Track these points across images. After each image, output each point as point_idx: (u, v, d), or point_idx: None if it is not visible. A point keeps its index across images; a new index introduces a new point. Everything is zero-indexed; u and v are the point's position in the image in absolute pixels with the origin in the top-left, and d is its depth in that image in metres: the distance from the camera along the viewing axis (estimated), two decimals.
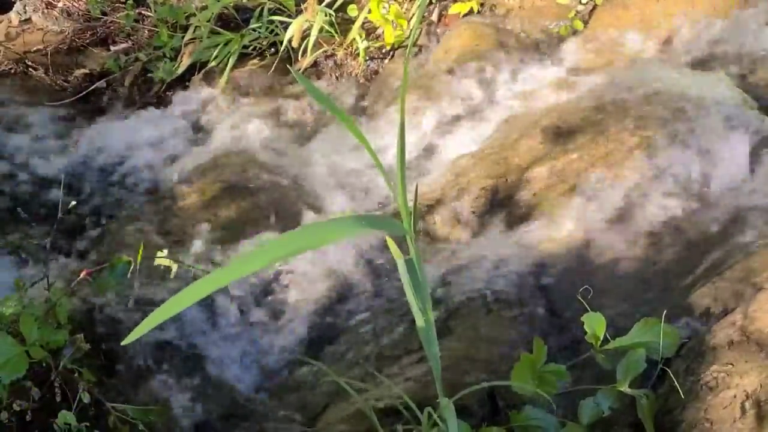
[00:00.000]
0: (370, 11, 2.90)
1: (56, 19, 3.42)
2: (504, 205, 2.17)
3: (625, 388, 1.43)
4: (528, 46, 2.83)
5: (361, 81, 3.05)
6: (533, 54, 2.78)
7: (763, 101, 2.32)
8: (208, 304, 2.04)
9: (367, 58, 3.06)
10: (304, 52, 3.00)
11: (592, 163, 2.14)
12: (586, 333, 1.51)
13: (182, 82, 3.16)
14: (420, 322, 1.27)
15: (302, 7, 2.97)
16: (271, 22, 3.14)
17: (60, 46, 3.32)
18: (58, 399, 1.55)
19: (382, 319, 1.95)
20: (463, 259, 2.03)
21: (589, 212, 2.02)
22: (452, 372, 1.62)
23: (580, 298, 1.59)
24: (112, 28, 3.40)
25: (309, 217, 2.35)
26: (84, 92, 3.11)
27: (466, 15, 3.03)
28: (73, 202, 2.00)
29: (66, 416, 1.48)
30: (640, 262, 1.89)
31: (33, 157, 2.74)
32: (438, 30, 3.05)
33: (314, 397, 1.79)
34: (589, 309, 1.54)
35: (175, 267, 1.76)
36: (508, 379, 1.46)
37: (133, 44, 3.32)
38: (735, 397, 1.30)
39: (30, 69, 3.21)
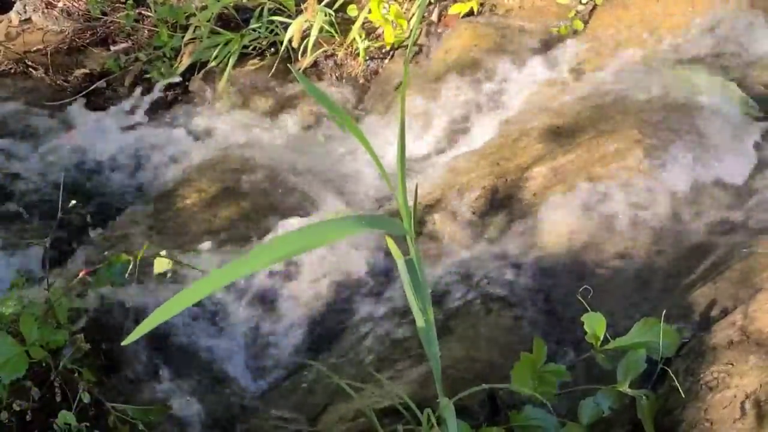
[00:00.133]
0: (370, 11, 2.90)
1: (56, 18, 3.42)
2: (504, 205, 2.17)
3: (625, 388, 1.43)
4: (528, 46, 2.83)
5: (361, 81, 3.05)
6: (533, 54, 2.78)
7: (763, 101, 2.32)
8: (208, 304, 2.04)
9: (367, 58, 3.06)
10: (304, 52, 3.00)
11: (592, 163, 2.14)
12: (586, 333, 1.51)
13: (182, 82, 3.16)
14: (420, 322, 1.27)
15: (302, 7, 2.97)
16: (271, 22, 3.14)
17: (60, 46, 3.32)
18: (58, 399, 1.55)
19: (382, 320, 1.95)
20: (463, 259, 2.03)
21: (589, 212, 2.02)
22: (452, 372, 1.62)
23: (580, 298, 1.59)
24: (112, 28, 3.40)
25: (309, 217, 2.35)
26: (84, 92, 3.11)
27: (466, 15, 3.03)
28: (73, 202, 1.99)
29: (66, 416, 1.48)
30: (640, 262, 1.89)
31: (33, 157, 2.75)
32: (438, 30, 3.05)
33: (314, 397, 1.79)
34: (589, 309, 1.54)
35: (173, 267, 1.76)
36: (509, 379, 1.46)
37: (133, 44, 3.32)
38: (735, 397, 1.30)
39: (30, 69, 3.21)
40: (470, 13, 3.04)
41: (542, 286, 1.90)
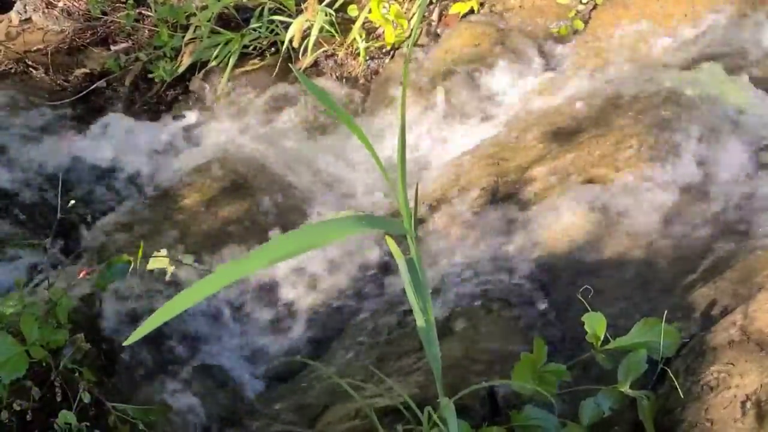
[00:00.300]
0: (370, 11, 2.90)
1: (56, 18, 3.42)
2: (504, 204, 2.17)
3: (625, 388, 1.43)
4: (528, 45, 2.83)
5: (361, 81, 3.05)
6: (533, 53, 2.78)
7: (764, 100, 2.32)
8: (208, 304, 2.04)
9: (368, 57, 3.06)
10: (305, 51, 3.00)
11: (593, 163, 2.14)
12: (586, 333, 1.51)
13: (182, 81, 3.16)
14: (420, 322, 1.27)
15: (302, 6, 2.97)
16: (272, 21, 3.14)
17: (60, 45, 3.32)
18: (59, 399, 1.55)
19: (382, 319, 1.95)
20: (463, 259, 2.03)
21: (589, 212, 2.02)
22: (452, 372, 1.62)
23: (580, 297, 1.59)
24: (112, 27, 3.40)
25: (309, 216, 2.35)
26: (84, 92, 3.11)
27: (466, 15, 3.03)
28: (72, 202, 1.99)
29: (66, 416, 1.48)
30: (640, 262, 1.89)
31: (33, 157, 2.74)
32: (438, 30, 3.05)
33: (314, 397, 1.79)
34: (589, 309, 1.54)
35: (173, 267, 1.76)
36: (509, 379, 1.46)
37: (133, 44, 3.32)
38: (735, 396, 1.30)
39: (30, 69, 3.20)
40: (470, 13, 3.04)
41: (542, 286, 1.90)
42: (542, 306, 1.85)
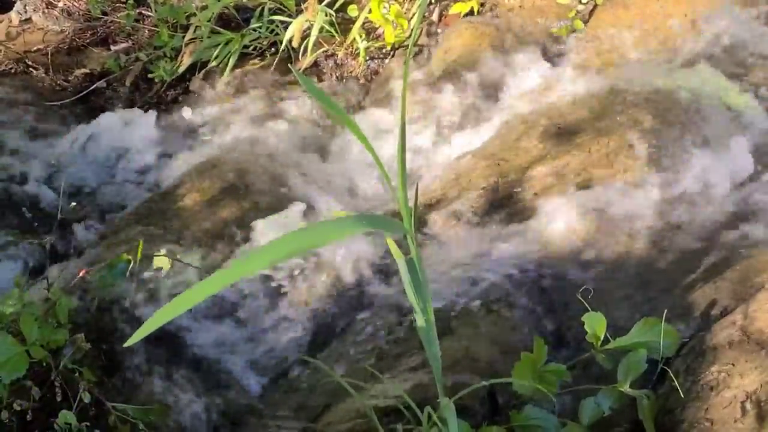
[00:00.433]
0: (370, 11, 2.90)
1: (57, 18, 3.42)
2: (504, 204, 2.17)
3: (625, 388, 1.43)
4: (528, 45, 2.83)
5: (361, 81, 3.05)
6: (533, 53, 2.78)
7: (764, 101, 2.32)
8: (208, 303, 2.04)
9: (368, 58, 3.06)
10: (305, 51, 3.00)
11: (593, 163, 2.14)
12: (586, 333, 1.52)
13: (183, 81, 3.16)
14: (420, 321, 1.27)
15: (302, 6, 2.97)
16: (272, 21, 3.14)
17: (60, 45, 3.32)
18: (59, 398, 1.55)
19: (382, 319, 1.95)
20: (463, 259, 2.03)
21: (589, 212, 2.02)
22: (452, 372, 1.62)
23: (580, 297, 1.59)
24: (112, 27, 3.40)
25: (309, 216, 2.35)
26: (84, 92, 3.11)
27: (466, 15, 3.03)
28: (73, 203, 2.00)
29: (66, 416, 1.48)
30: (640, 262, 1.89)
31: (33, 156, 2.74)
32: (438, 30, 3.05)
33: (315, 396, 1.79)
34: (589, 309, 1.54)
35: (174, 267, 1.76)
36: (509, 379, 1.46)
37: (133, 44, 3.32)
38: (735, 396, 1.30)
39: (30, 69, 3.21)
40: (471, 13, 3.04)
41: (543, 286, 1.90)
42: (542, 306, 1.85)
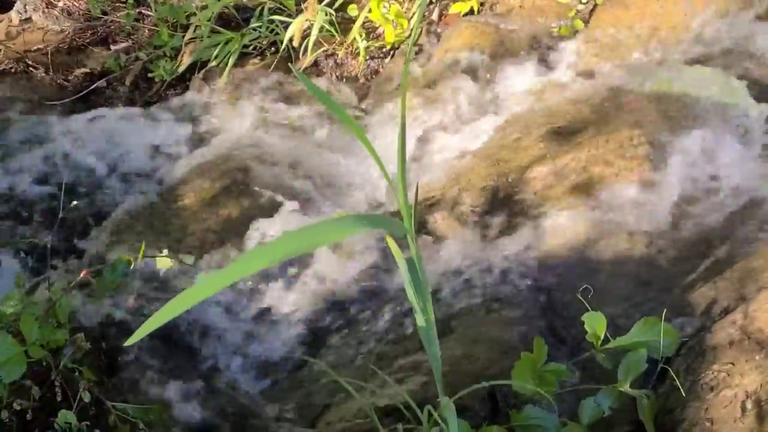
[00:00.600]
0: (370, 11, 2.90)
1: (57, 18, 3.42)
2: (504, 204, 2.17)
3: (626, 387, 1.43)
4: (528, 45, 2.83)
5: (361, 80, 3.05)
6: (534, 53, 2.78)
7: (764, 100, 2.32)
8: (208, 303, 2.04)
9: (368, 57, 3.06)
10: (305, 51, 3.00)
11: (593, 163, 2.14)
12: (586, 332, 1.52)
13: (183, 81, 3.16)
14: (420, 321, 1.27)
15: (302, 6, 2.97)
16: (272, 21, 3.14)
17: (60, 45, 3.32)
18: (59, 398, 1.55)
19: (382, 319, 1.95)
20: (463, 259, 2.03)
21: (590, 211, 2.02)
22: (452, 371, 1.62)
23: (580, 297, 1.59)
24: (112, 27, 3.39)
25: (309, 216, 2.35)
26: (84, 91, 3.11)
27: (466, 14, 3.03)
28: (74, 203, 2.00)
29: (66, 415, 1.48)
30: (640, 262, 1.89)
31: (33, 156, 2.74)
32: (438, 29, 3.05)
33: (315, 396, 1.79)
34: (589, 308, 1.54)
35: (174, 267, 1.76)
36: (509, 379, 1.46)
37: (133, 43, 3.31)
38: (735, 396, 1.30)
39: (30, 68, 3.20)
40: (471, 12, 3.04)
41: (542, 286, 1.90)
42: (542, 305, 1.85)
